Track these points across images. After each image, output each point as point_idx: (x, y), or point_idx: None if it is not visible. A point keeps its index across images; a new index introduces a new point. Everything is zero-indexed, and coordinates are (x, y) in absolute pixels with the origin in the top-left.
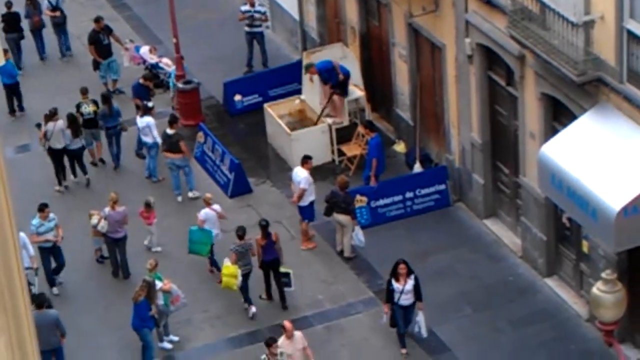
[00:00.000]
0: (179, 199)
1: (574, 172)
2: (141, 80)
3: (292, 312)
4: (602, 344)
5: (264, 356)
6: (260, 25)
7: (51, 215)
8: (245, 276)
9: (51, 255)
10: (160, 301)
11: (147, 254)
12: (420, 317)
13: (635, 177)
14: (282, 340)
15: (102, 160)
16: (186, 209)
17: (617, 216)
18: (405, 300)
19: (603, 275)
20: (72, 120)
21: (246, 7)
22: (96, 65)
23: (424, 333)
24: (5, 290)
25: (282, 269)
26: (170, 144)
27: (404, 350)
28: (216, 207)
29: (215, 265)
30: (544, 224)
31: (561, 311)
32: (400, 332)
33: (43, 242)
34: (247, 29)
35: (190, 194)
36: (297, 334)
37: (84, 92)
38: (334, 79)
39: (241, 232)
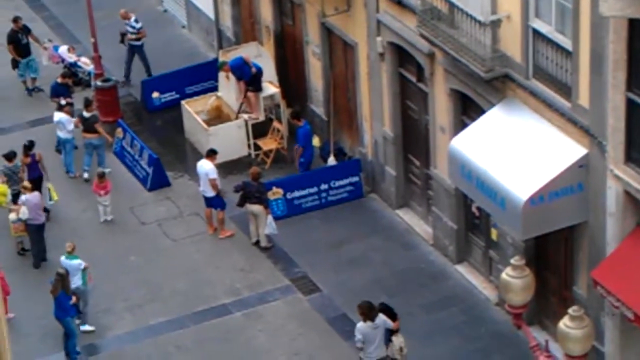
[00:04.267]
0: (85, 175)
1: (482, 164)
2: (59, 80)
3: (211, 300)
4: (511, 327)
5: None
6: (138, 40)
7: None
8: (16, 196)
9: None
10: (79, 281)
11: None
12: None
13: (541, 168)
14: None
15: None
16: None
17: (524, 205)
18: None
19: (512, 261)
20: None
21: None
22: (15, 64)
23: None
24: None
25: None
26: (87, 125)
27: None
28: None
29: None
30: (454, 213)
31: (471, 296)
32: None
33: None
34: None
35: (106, 170)
36: None
37: None
38: (246, 75)
39: (11, 155)
